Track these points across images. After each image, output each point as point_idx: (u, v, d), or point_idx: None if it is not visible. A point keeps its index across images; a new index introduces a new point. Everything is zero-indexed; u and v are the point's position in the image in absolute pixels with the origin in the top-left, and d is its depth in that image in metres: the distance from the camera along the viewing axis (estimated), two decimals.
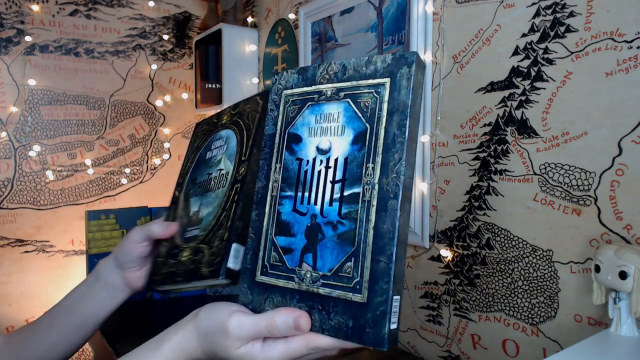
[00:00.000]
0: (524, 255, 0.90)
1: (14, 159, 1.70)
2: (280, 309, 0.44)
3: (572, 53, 0.82)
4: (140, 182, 1.94)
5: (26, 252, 1.72)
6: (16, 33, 1.69)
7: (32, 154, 1.72)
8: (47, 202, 1.76)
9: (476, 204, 0.99)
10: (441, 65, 1.04)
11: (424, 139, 1.08)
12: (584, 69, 0.80)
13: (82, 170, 1.82)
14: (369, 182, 0.43)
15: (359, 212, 0.43)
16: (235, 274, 0.52)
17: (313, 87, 0.50)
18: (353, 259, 0.42)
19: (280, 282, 0.47)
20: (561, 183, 0.84)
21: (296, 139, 0.49)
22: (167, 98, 1.99)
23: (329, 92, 0.48)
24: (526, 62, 0.89)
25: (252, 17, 1.79)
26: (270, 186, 0.49)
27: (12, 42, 1.68)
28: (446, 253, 1.05)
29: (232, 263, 0.51)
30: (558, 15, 0.84)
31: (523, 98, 0.89)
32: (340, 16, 1.32)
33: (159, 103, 1.97)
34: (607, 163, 0.78)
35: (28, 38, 1.70)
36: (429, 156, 1.07)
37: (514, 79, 0.91)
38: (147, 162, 1.96)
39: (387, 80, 0.44)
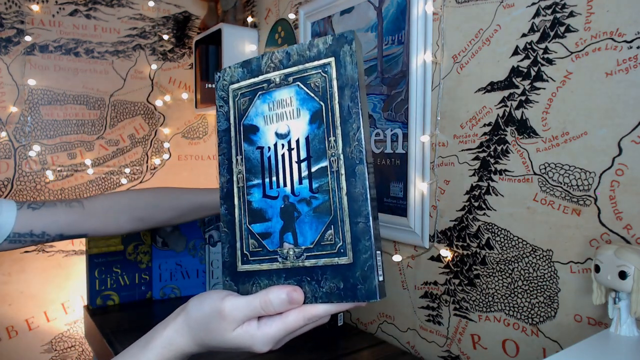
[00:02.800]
0: (524, 255, 0.90)
1: (14, 159, 1.70)
2: (272, 287, 0.46)
3: (572, 53, 0.82)
4: (140, 182, 1.94)
5: (26, 252, 1.71)
6: (16, 33, 1.69)
7: (32, 154, 1.72)
8: None
9: (476, 204, 0.99)
10: (441, 65, 1.04)
11: (424, 139, 1.08)
12: (584, 69, 0.80)
13: (82, 170, 1.82)
14: (333, 154, 0.46)
15: (330, 183, 0.46)
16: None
17: (260, 77, 0.51)
18: (332, 226, 0.45)
19: (264, 266, 0.48)
20: (561, 183, 0.84)
21: (253, 130, 0.51)
22: (167, 98, 1.99)
23: (277, 79, 0.50)
24: (526, 62, 0.89)
25: (252, 17, 1.79)
26: (234, 179, 0.51)
27: (12, 42, 1.68)
28: (446, 253, 1.05)
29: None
30: (558, 15, 0.84)
31: (523, 98, 0.89)
32: (340, 16, 1.32)
33: (159, 103, 1.97)
34: (607, 163, 0.78)
35: (28, 38, 1.70)
36: (429, 156, 1.07)
37: (513, 79, 0.91)
38: (147, 162, 1.96)
39: (332, 59, 0.47)
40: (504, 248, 0.94)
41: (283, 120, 0.49)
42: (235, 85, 0.53)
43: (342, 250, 0.44)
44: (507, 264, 0.93)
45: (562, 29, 0.83)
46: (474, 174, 0.99)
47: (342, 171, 0.45)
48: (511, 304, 0.93)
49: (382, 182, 1.20)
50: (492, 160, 0.95)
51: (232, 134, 0.52)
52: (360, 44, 0.48)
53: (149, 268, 1.43)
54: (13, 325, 1.70)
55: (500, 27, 0.93)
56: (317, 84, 0.47)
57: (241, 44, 1.74)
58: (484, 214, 0.97)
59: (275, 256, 0.48)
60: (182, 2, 2.00)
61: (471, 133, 0.99)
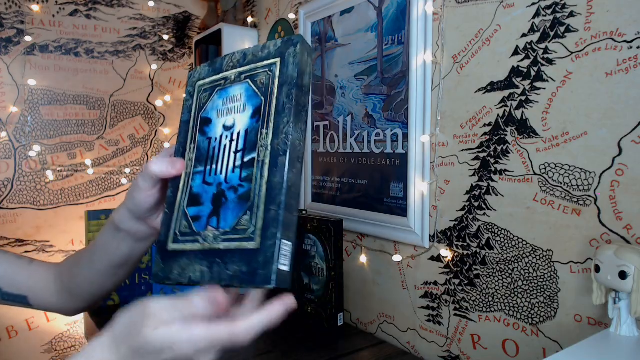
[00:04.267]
0: (524, 255, 0.90)
1: (14, 159, 1.70)
2: (198, 291, 0.46)
3: (572, 53, 0.82)
4: None
5: (26, 252, 1.71)
6: (16, 33, 1.69)
7: (32, 154, 1.72)
8: (47, 202, 1.76)
9: (476, 204, 0.99)
10: (441, 65, 1.04)
11: (424, 139, 1.08)
12: (584, 69, 0.80)
13: (82, 170, 1.82)
14: (262, 145, 0.48)
15: (255, 172, 0.48)
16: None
17: (220, 75, 0.55)
18: (249, 212, 0.47)
19: (188, 246, 0.50)
20: (561, 183, 0.84)
21: (207, 122, 0.55)
22: (167, 98, 1.99)
23: (232, 77, 0.54)
24: (526, 62, 0.89)
25: (252, 17, 1.79)
26: (185, 165, 0.55)
27: (12, 42, 1.68)
28: (446, 253, 1.05)
29: None
30: (558, 15, 0.84)
31: (523, 98, 0.89)
32: (340, 16, 1.32)
33: (159, 103, 1.97)
34: (607, 163, 0.78)
35: (28, 38, 1.70)
36: (429, 156, 1.07)
37: (514, 79, 0.91)
38: (147, 162, 1.96)
39: (277, 59, 0.51)
40: (504, 248, 0.94)
41: (231, 114, 0.53)
42: (201, 82, 0.58)
43: (252, 236, 0.46)
44: (507, 264, 0.93)
45: (562, 29, 0.83)
46: (474, 174, 0.99)
47: (267, 161, 0.48)
48: (511, 304, 0.93)
49: (382, 182, 1.20)
50: (492, 160, 0.95)
51: (191, 124, 0.56)
52: (309, 48, 0.51)
53: (149, 268, 1.43)
54: (13, 325, 1.70)
55: (500, 27, 0.93)
56: (262, 82, 0.51)
57: (241, 44, 1.74)
58: (484, 214, 0.97)
59: (198, 237, 0.50)
60: (182, 2, 2.00)
61: (471, 133, 0.99)
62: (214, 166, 0.52)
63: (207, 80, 0.57)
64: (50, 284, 0.71)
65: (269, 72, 0.51)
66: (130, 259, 0.67)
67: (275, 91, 0.49)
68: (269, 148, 0.48)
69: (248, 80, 0.52)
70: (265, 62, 0.51)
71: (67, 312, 0.74)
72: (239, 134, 0.51)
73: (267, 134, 0.48)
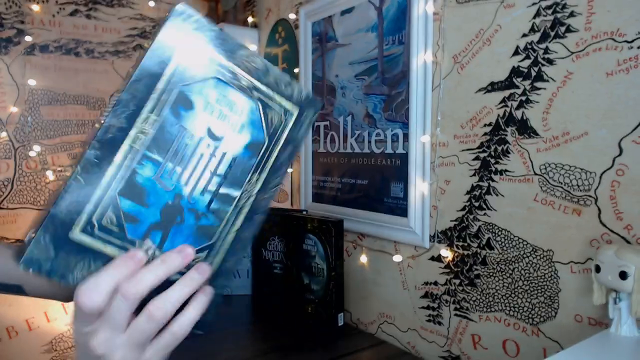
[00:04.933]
0: (524, 255, 0.90)
1: (14, 159, 1.70)
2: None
3: (572, 53, 0.82)
4: None
5: None
6: (16, 33, 1.69)
7: (32, 154, 1.72)
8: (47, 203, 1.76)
9: (476, 204, 0.99)
10: (441, 65, 1.04)
11: (424, 139, 1.08)
12: (585, 69, 0.80)
13: None
14: (248, 190, 0.45)
15: (229, 214, 0.45)
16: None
17: (228, 62, 0.43)
18: (207, 252, 0.44)
19: (109, 249, 0.40)
20: (561, 183, 0.84)
21: (187, 104, 0.42)
22: None
23: (243, 82, 0.44)
24: (526, 62, 0.89)
25: (252, 17, 1.79)
26: (132, 134, 0.40)
27: (12, 42, 1.68)
28: (446, 253, 1.05)
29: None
30: (558, 15, 0.84)
31: (523, 98, 0.89)
32: (341, 16, 1.32)
33: None
34: (608, 163, 0.78)
35: (28, 38, 1.70)
36: (429, 156, 1.07)
37: (514, 79, 0.91)
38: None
39: (296, 111, 0.47)
40: (505, 248, 0.94)
41: (223, 123, 0.44)
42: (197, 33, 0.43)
43: None
44: (507, 264, 0.93)
45: (563, 29, 0.83)
46: (474, 174, 0.99)
47: (245, 210, 0.45)
48: (511, 304, 0.93)
49: (382, 182, 1.20)
50: (492, 161, 0.95)
51: (161, 86, 0.41)
52: (318, 112, 0.50)
53: None
54: (13, 325, 1.70)
55: (500, 27, 0.93)
56: (273, 120, 0.46)
57: None
58: (485, 214, 0.97)
59: (126, 244, 0.40)
60: (182, 2, 2.00)
61: (471, 133, 0.99)
62: (178, 168, 0.42)
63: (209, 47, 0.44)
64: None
65: (283, 117, 0.46)
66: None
67: (281, 144, 0.46)
68: (253, 199, 0.45)
69: (259, 103, 0.45)
70: (285, 102, 0.46)
71: (62, 299, 0.72)
72: (224, 154, 0.44)
73: (257, 181, 0.45)
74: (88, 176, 0.39)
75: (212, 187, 0.44)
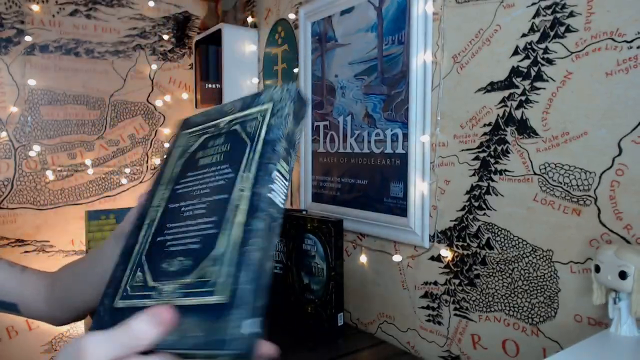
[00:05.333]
0: (524, 255, 0.90)
1: (14, 159, 1.70)
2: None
3: (572, 53, 0.82)
4: (140, 182, 1.94)
5: (26, 252, 1.71)
6: (16, 33, 1.69)
7: (32, 154, 1.72)
8: (47, 202, 1.76)
9: (476, 204, 0.99)
10: (441, 65, 1.04)
11: (424, 139, 1.07)
12: (584, 69, 0.80)
13: (82, 170, 1.82)
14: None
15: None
16: None
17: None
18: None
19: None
20: (561, 183, 0.84)
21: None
22: (167, 98, 1.99)
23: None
24: (526, 62, 0.89)
25: (252, 17, 1.79)
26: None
27: (12, 42, 1.68)
28: (446, 253, 1.05)
29: None
30: (558, 15, 0.84)
31: (523, 98, 0.89)
32: (341, 16, 1.32)
33: (159, 103, 1.97)
34: (607, 163, 0.78)
35: (28, 38, 1.70)
36: (429, 156, 1.07)
37: (514, 79, 0.91)
38: (147, 162, 1.96)
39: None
40: (504, 248, 0.94)
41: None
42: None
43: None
44: (507, 264, 0.93)
45: (562, 29, 0.83)
46: (474, 174, 0.99)
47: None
48: (511, 304, 0.93)
49: (382, 182, 1.20)
50: (492, 160, 0.95)
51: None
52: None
53: None
54: (13, 325, 1.70)
55: (500, 27, 0.93)
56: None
57: (241, 44, 1.74)
58: (484, 214, 0.97)
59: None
60: (182, 2, 2.00)
61: (471, 133, 0.99)
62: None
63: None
64: (41, 294, 0.69)
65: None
66: None
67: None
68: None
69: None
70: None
71: (55, 322, 0.72)
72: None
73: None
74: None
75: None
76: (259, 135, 0.45)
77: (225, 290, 0.37)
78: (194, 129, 0.52)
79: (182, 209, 0.45)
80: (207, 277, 0.39)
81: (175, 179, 0.49)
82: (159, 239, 0.45)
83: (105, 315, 0.42)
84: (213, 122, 0.50)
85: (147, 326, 0.36)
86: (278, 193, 0.42)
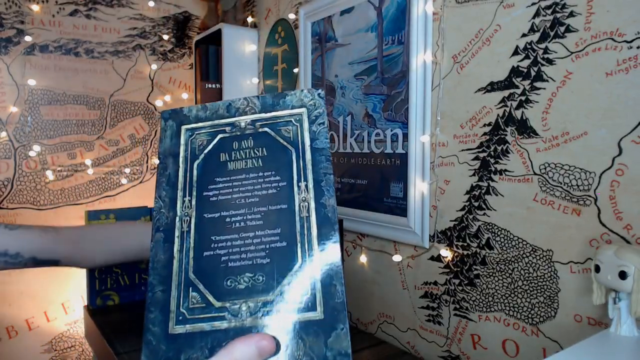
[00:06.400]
0: (524, 255, 0.90)
1: (14, 159, 1.70)
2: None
3: (572, 53, 0.82)
4: (140, 182, 1.94)
5: None
6: (16, 33, 1.69)
7: (32, 154, 1.72)
8: (47, 202, 1.76)
9: (476, 204, 0.99)
10: (441, 65, 1.04)
11: (424, 139, 1.07)
12: (584, 69, 0.80)
13: (82, 170, 1.82)
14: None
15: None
16: None
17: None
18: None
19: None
20: (561, 183, 0.84)
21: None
22: (167, 98, 1.99)
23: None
24: (526, 62, 0.89)
25: (252, 17, 1.79)
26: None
27: (12, 42, 1.68)
28: (446, 253, 1.05)
29: None
30: (558, 15, 0.84)
31: (523, 98, 0.89)
32: (340, 16, 1.32)
33: (159, 103, 1.97)
34: (607, 163, 0.78)
35: (28, 38, 1.70)
36: (429, 156, 1.07)
37: (513, 79, 0.91)
38: (147, 162, 1.96)
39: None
40: (504, 248, 0.94)
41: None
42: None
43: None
44: (507, 264, 0.93)
45: (562, 29, 0.83)
46: (474, 174, 0.99)
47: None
48: (511, 304, 0.93)
49: (381, 182, 1.20)
50: (492, 160, 0.95)
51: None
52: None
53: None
54: (13, 325, 1.70)
55: (500, 27, 0.93)
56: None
57: (241, 44, 1.74)
58: (484, 214, 0.97)
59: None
60: (182, 2, 2.00)
61: (471, 133, 0.99)
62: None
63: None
64: (76, 245, 0.84)
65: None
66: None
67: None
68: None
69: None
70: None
71: (90, 266, 0.91)
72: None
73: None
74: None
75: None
76: (303, 142, 0.44)
77: (320, 306, 0.36)
78: (198, 124, 0.48)
79: (228, 219, 0.42)
80: (293, 293, 0.37)
81: (198, 183, 0.45)
82: (206, 253, 0.41)
83: (160, 343, 0.39)
84: (226, 120, 0.47)
85: (251, 354, 0.35)
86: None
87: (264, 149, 0.45)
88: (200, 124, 0.47)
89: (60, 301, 1.77)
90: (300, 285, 0.38)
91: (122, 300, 1.40)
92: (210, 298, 0.39)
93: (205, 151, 0.46)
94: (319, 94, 0.46)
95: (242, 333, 0.37)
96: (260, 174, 0.44)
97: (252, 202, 0.43)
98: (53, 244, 0.81)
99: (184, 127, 0.48)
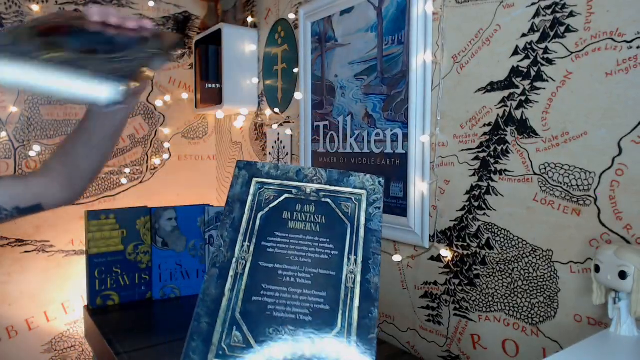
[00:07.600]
0: (524, 255, 0.90)
1: (14, 158, 1.70)
2: None
3: (572, 53, 0.82)
4: (140, 182, 1.94)
5: (26, 252, 1.71)
6: None
7: (32, 153, 1.72)
8: None
9: (476, 204, 0.99)
10: (441, 65, 1.04)
11: (424, 139, 1.08)
12: (584, 69, 0.80)
13: None
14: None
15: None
16: None
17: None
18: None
19: None
20: (561, 183, 0.84)
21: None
22: (167, 98, 1.99)
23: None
24: (526, 62, 0.89)
25: (252, 17, 1.79)
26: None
27: None
28: (446, 253, 1.05)
29: None
30: (558, 15, 0.84)
31: (523, 98, 0.89)
32: (340, 16, 1.32)
33: (158, 103, 1.97)
34: (607, 163, 0.78)
35: None
36: (429, 156, 1.07)
37: (513, 79, 0.91)
38: (147, 162, 1.96)
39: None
40: (504, 248, 0.94)
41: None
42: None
43: None
44: (507, 264, 0.93)
45: (562, 29, 0.83)
46: (474, 174, 0.99)
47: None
48: (511, 304, 0.93)
49: None
50: (492, 160, 0.95)
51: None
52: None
53: (149, 268, 1.43)
54: (13, 325, 1.70)
55: (500, 27, 0.93)
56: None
57: (241, 44, 1.74)
58: (484, 214, 0.97)
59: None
60: (182, 2, 2.00)
61: (471, 133, 0.99)
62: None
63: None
64: (54, 183, 0.83)
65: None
66: (123, 124, 0.81)
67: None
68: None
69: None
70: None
71: (73, 200, 0.88)
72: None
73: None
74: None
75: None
76: (359, 220, 0.49)
77: None
78: (268, 180, 0.54)
79: (280, 272, 0.47)
80: (327, 354, 0.41)
81: (259, 232, 0.50)
82: (254, 298, 0.45)
83: None
84: (294, 183, 0.53)
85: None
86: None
87: (324, 217, 0.50)
88: (270, 180, 0.53)
89: (60, 301, 1.77)
90: (335, 348, 0.42)
91: (122, 300, 1.40)
92: (252, 340, 0.42)
93: (271, 205, 0.52)
94: (379, 182, 0.52)
95: None
96: (317, 238, 0.49)
97: (305, 262, 0.48)
98: (29, 188, 0.80)
99: (255, 180, 0.53)
